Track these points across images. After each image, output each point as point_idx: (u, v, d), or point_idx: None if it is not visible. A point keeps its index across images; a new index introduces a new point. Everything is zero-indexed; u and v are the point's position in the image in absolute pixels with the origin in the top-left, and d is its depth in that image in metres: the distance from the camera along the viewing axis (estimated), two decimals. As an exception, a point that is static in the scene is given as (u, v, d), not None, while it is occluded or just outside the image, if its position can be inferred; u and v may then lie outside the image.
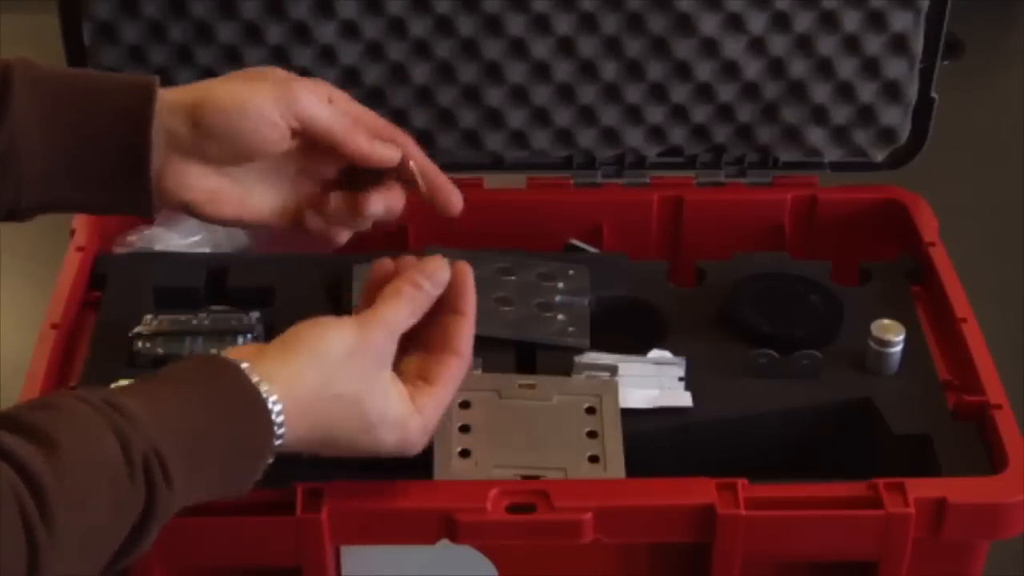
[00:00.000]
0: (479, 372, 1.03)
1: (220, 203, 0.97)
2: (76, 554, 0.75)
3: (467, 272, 0.96)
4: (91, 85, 0.94)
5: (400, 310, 0.92)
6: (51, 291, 1.12)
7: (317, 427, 0.88)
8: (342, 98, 0.98)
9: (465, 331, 0.95)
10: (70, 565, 0.74)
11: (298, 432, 0.86)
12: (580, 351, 1.07)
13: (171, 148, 0.94)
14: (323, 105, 0.96)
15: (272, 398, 0.84)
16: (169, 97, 0.94)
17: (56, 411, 0.77)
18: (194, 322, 1.08)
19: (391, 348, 0.91)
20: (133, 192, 0.94)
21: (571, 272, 1.14)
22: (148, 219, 1.19)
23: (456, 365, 0.94)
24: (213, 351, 1.01)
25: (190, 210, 0.97)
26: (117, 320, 1.09)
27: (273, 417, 0.84)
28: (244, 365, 0.85)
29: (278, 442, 0.85)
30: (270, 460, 0.86)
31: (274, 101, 0.94)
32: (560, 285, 1.12)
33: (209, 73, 1.20)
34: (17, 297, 1.73)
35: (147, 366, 1.06)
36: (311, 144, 0.97)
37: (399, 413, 0.91)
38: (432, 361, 0.94)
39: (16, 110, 0.91)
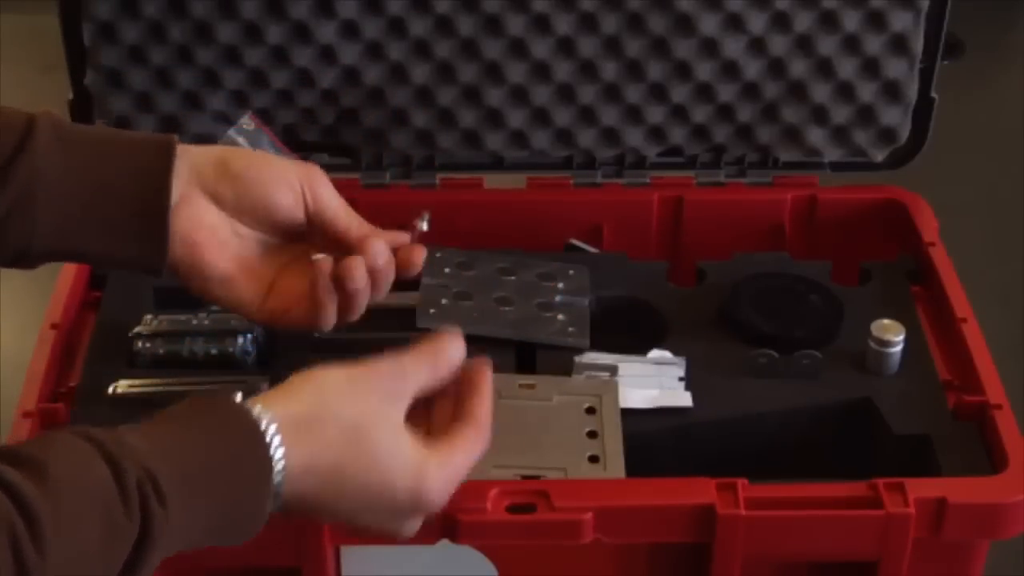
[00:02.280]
0: None
1: (222, 258, 0.95)
2: None
3: (485, 368, 0.92)
4: (112, 139, 0.94)
5: (419, 360, 0.89)
6: (51, 291, 1.12)
7: (320, 457, 0.83)
8: None
9: (484, 404, 0.91)
10: None
11: (300, 459, 0.82)
12: (580, 351, 1.07)
13: (193, 183, 0.93)
14: (340, 200, 0.96)
15: (265, 417, 0.81)
16: (200, 147, 0.95)
17: (48, 442, 0.77)
18: (194, 322, 1.08)
19: (400, 387, 0.87)
20: (147, 246, 0.93)
21: (571, 272, 1.14)
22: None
23: (475, 432, 0.89)
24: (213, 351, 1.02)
25: (194, 253, 0.94)
26: (117, 320, 1.09)
27: (268, 438, 0.81)
28: (237, 395, 0.83)
29: (278, 470, 0.81)
30: (273, 504, 0.82)
31: (295, 170, 0.95)
32: (560, 285, 1.12)
33: (209, 73, 1.20)
34: (17, 297, 1.73)
35: (147, 366, 1.06)
36: (309, 234, 0.97)
37: (413, 455, 0.86)
38: (448, 427, 0.90)
39: (38, 156, 0.91)
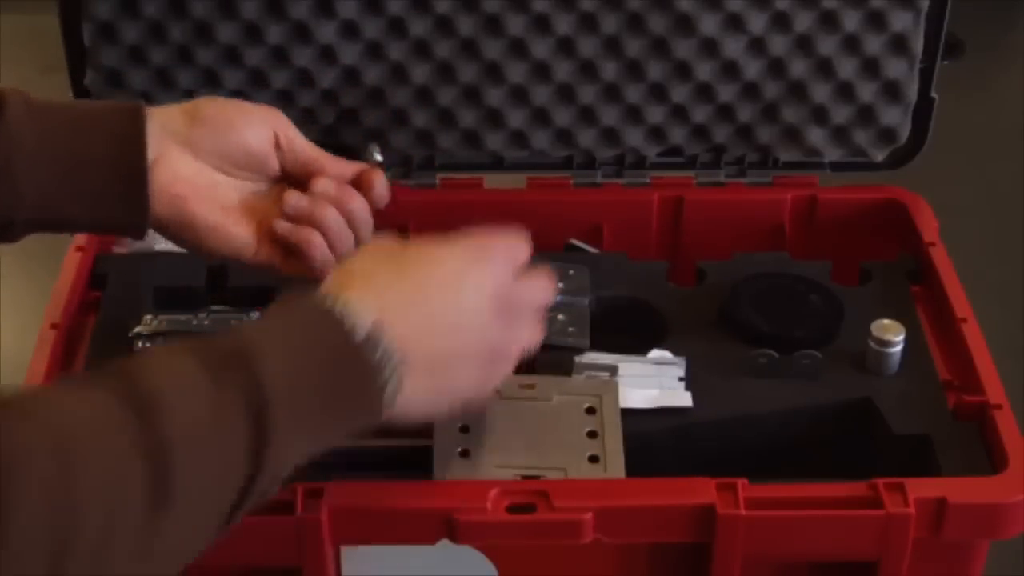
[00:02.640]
0: None
1: (205, 205, 0.96)
2: (193, 438, 0.74)
3: None
4: (83, 109, 0.96)
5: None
6: (51, 291, 1.12)
7: (432, 324, 0.85)
8: None
9: None
10: (188, 450, 0.73)
11: (411, 321, 0.83)
12: (580, 351, 1.07)
13: (167, 138, 0.95)
14: (306, 140, 0.99)
15: (344, 295, 0.82)
16: (168, 108, 0.96)
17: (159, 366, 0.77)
18: (194, 322, 1.08)
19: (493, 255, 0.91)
20: (129, 209, 0.94)
21: (571, 272, 1.14)
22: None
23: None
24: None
25: (179, 206, 0.95)
26: (117, 320, 1.09)
27: (340, 298, 0.82)
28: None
29: (378, 338, 0.81)
30: (387, 362, 0.82)
31: (263, 112, 0.98)
32: (560, 285, 1.12)
33: (209, 73, 1.20)
34: (17, 297, 1.73)
35: (147, 366, 1.06)
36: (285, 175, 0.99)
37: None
38: None
39: (12, 129, 0.92)
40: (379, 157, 1.04)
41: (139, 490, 0.72)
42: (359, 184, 0.99)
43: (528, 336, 0.92)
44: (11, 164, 0.91)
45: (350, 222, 0.98)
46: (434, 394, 0.87)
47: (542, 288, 0.93)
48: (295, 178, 0.99)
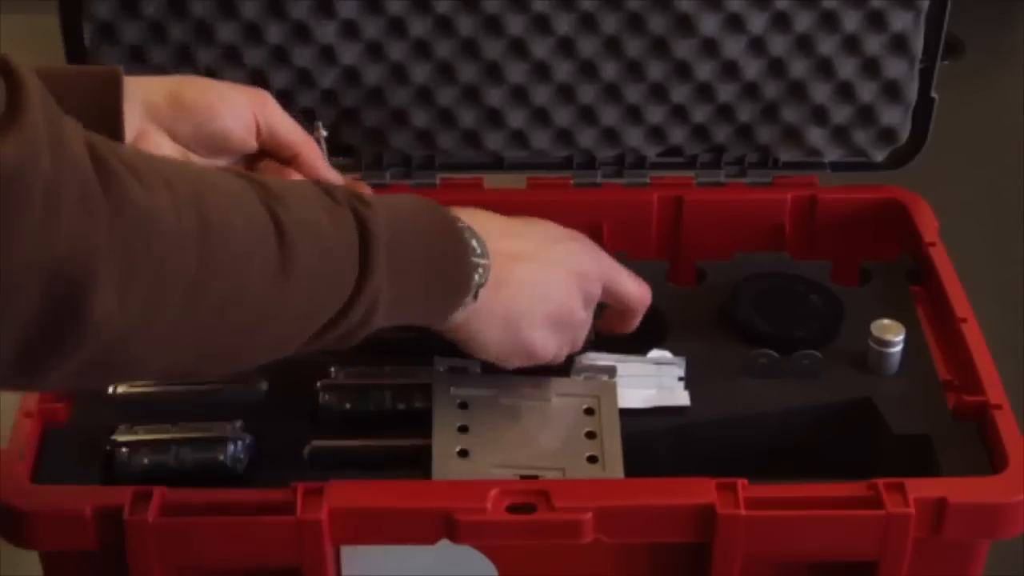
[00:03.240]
0: (478, 371, 1.03)
1: None
2: (312, 245, 0.79)
3: None
4: (59, 76, 0.94)
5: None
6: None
7: (500, 224, 0.94)
8: None
9: None
10: (311, 252, 0.79)
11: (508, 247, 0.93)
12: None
13: (148, 118, 0.96)
14: (289, 117, 1.02)
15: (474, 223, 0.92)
16: (150, 79, 0.98)
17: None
18: (194, 322, 1.08)
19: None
20: None
21: None
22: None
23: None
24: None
25: None
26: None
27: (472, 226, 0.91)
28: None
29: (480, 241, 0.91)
30: (476, 248, 0.90)
31: (247, 96, 1.00)
32: None
33: (209, 73, 1.20)
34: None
35: (147, 366, 1.06)
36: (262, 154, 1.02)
37: None
38: None
39: None
40: (324, 132, 1.06)
41: (270, 255, 0.77)
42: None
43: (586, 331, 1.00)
44: None
45: None
46: (504, 323, 0.94)
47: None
48: (275, 156, 1.02)
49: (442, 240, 0.89)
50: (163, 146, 0.96)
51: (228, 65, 1.19)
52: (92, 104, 0.93)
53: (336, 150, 1.25)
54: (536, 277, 0.96)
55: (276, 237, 0.78)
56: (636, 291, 1.02)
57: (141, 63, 1.19)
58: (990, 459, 0.99)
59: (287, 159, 1.02)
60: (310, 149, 1.03)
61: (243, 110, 0.99)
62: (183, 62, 1.19)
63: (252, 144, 1.01)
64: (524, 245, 0.96)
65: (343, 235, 0.82)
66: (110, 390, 1.03)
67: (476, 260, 0.91)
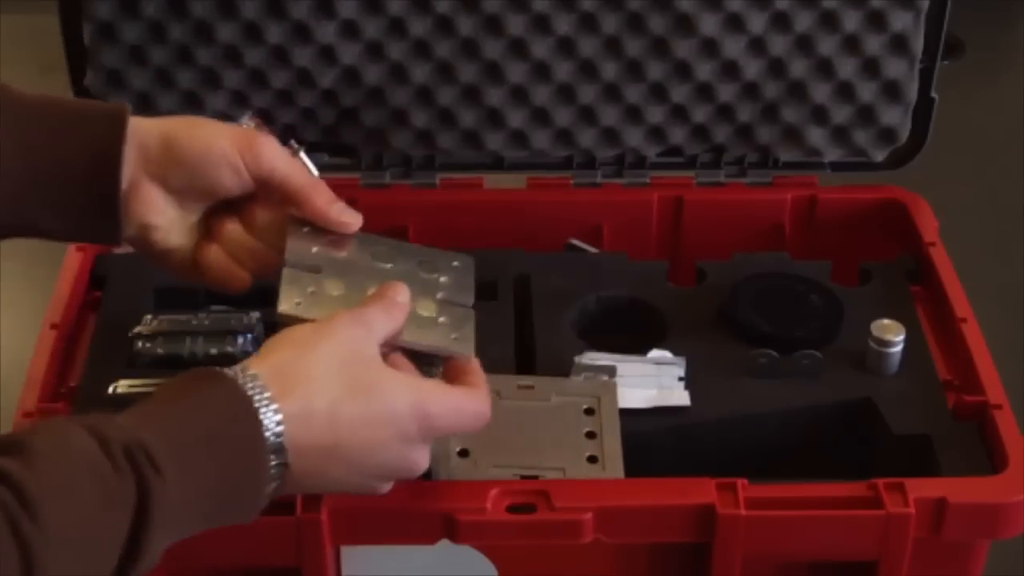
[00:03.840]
0: None
1: (172, 234, 0.97)
2: (72, 552, 0.74)
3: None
4: (64, 112, 0.95)
5: (374, 306, 0.91)
6: (51, 291, 1.12)
7: (314, 400, 0.84)
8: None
9: (479, 375, 0.93)
10: (67, 564, 0.74)
11: (295, 408, 0.83)
12: (580, 352, 1.07)
13: (142, 168, 0.95)
14: (285, 158, 0.97)
15: (247, 377, 0.83)
16: (145, 122, 0.95)
17: (31, 427, 0.78)
18: (194, 322, 1.08)
19: (366, 330, 0.88)
20: (101, 219, 0.94)
21: (455, 264, 1.02)
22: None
23: (478, 380, 0.93)
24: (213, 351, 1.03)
25: (147, 234, 0.97)
26: (117, 320, 1.09)
27: (256, 395, 0.82)
28: (217, 369, 0.84)
29: (275, 423, 0.82)
30: (277, 463, 0.83)
31: (240, 149, 0.95)
32: (442, 279, 1.00)
33: (209, 73, 1.20)
34: (17, 297, 1.73)
35: (147, 366, 1.06)
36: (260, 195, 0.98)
37: (408, 379, 0.88)
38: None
39: None
40: (300, 149, 1.01)
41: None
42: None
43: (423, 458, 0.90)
44: None
45: None
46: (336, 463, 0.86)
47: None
48: (269, 197, 0.98)
49: (242, 477, 0.83)
50: (157, 198, 0.96)
51: (228, 65, 1.19)
52: (93, 147, 0.93)
53: (336, 150, 1.25)
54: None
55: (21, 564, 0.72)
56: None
57: (141, 63, 1.19)
58: (990, 459, 0.99)
59: (282, 200, 0.98)
60: (303, 188, 0.97)
61: (231, 160, 0.95)
62: (183, 62, 1.19)
63: (245, 189, 0.97)
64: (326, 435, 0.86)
65: (114, 522, 0.76)
66: (110, 390, 1.03)
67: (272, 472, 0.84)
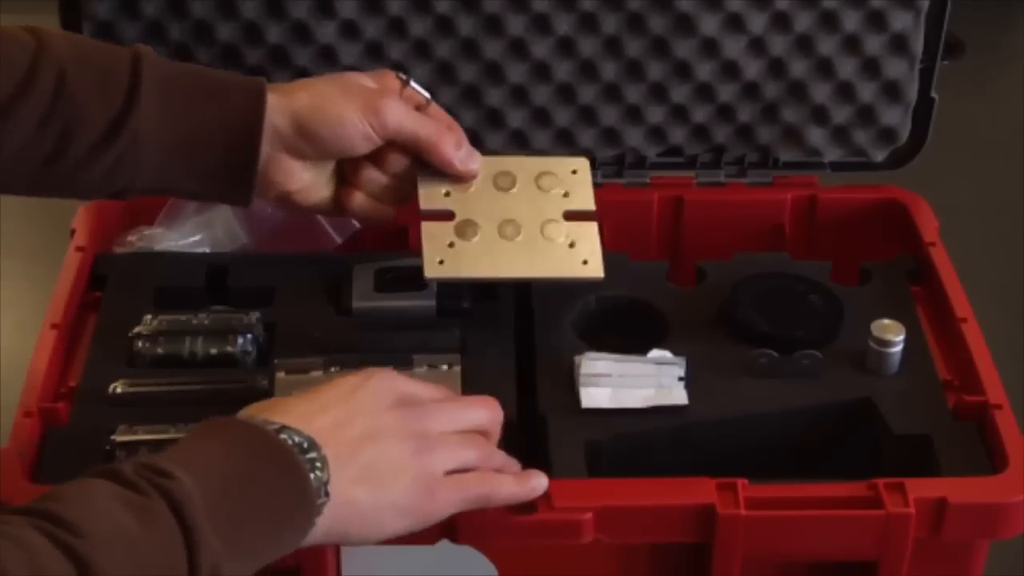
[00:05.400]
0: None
1: (312, 192, 1.07)
2: (122, 559, 0.74)
3: None
4: (206, 84, 1.02)
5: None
6: (51, 291, 1.12)
7: (342, 417, 0.87)
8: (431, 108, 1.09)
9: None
10: (117, 567, 0.74)
11: (321, 422, 0.86)
12: (580, 352, 1.07)
13: (276, 145, 1.03)
14: (409, 116, 1.06)
15: (270, 415, 0.85)
16: (277, 99, 1.02)
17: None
18: (194, 322, 1.08)
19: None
20: (238, 186, 1.03)
21: (573, 171, 1.13)
22: (148, 219, 1.19)
23: None
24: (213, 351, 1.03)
25: (288, 198, 1.06)
26: (117, 320, 1.09)
27: (273, 419, 0.85)
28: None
29: (294, 430, 0.84)
30: (318, 474, 0.83)
31: (364, 115, 1.03)
32: (564, 193, 1.12)
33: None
34: (17, 297, 1.73)
35: (147, 366, 1.06)
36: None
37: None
38: None
39: (142, 113, 0.99)
40: (404, 78, 1.09)
41: None
42: None
43: (458, 442, 0.91)
44: (137, 149, 0.99)
45: None
46: (369, 491, 0.87)
47: (460, 406, 0.94)
48: (400, 150, 1.07)
49: (266, 463, 0.83)
50: (293, 168, 1.04)
51: (228, 65, 1.19)
52: (232, 121, 1.01)
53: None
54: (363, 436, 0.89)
55: None
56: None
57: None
58: (990, 459, 0.99)
59: (412, 152, 1.06)
60: (428, 141, 1.06)
61: (361, 128, 1.03)
62: (183, 62, 1.19)
63: (376, 146, 1.05)
64: (333, 416, 0.88)
65: (158, 533, 0.76)
66: (110, 390, 1.03)
67: (310, 464, 0.84)
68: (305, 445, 0.84)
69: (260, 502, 0.81)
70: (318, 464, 0.83)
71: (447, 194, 1.08)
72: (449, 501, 0.89)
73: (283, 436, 0.83)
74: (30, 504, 0.76)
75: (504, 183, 1.10)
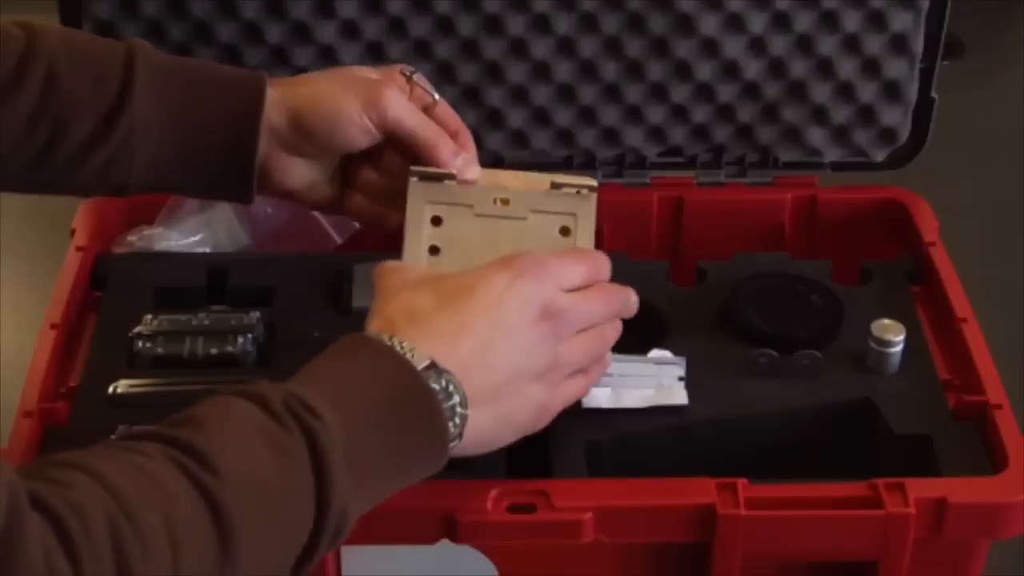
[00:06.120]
0: (454, 183, 1.03)
1: (314, 191, 1.05)
2: (255, 498, 0.75)
3: None
4: (204, 77, 1.01)
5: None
6: (51, 291, 1.12)
7: (484, 340, 0.87)
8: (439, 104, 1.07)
9: None
10: (252, 510, 0.74)
11: (464, 347, 0.86)
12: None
13: (274, 143, 1.01)
14: (410, 112, 1.02)
15: (417, 335, 0.86)
16: (274, 95, 1.01)
17: (196, 404, 0.79)
18: (194, 322, 1.08)
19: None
20: (238, 183, 1.01)
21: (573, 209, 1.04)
22: (148, 219, 1.19)
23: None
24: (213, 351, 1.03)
25: (291, 197, 1.05)
26: (117, 320, 1.09)
27: (419, 345, 0.84)
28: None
29: (438, 369, 0.84)
30: (456, 422, 0.84)
31: (364, 108, 1.01)
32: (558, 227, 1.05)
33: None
34: (17, 297, 1.73)
35: (147, 366, 1.06)
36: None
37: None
38: None
39: (137, 108, 0.97)
40: (409, 72, 1.06)
41: (207, 548, 0.73)
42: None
43: (584, 350, 0.93)
44: (132, 144, 0.98)
45: None
46: (496, 422, 0.89)
47: (600, 300, 0.94)
48: (397, 147, 1.04)
49: (412, 414, 0.83)
50: (292, 166, 1.02)
51: (228, 65, 1.19)
52: (231, 117, 0.99)
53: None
54: (502, 368, 0.89)
55: (213, 526, 0.73)
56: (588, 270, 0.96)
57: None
58: (990, 459, 0.99)
59: (409, 149, 1.03)
60: (427, 143, 1.02)
61: (359, 121, 1.01)
62: (183, 62, 1.19)
63: (375, 141, 1.03)
64: (477, 337, 0.88)
65: (293, 473, 0.77)
66: (110, 390, 1.03)
67: (450, 414, 0.85)
68: (450, 388, 0.84)
69: (397, 449, 0.83)
70: (458, 409, 0.85)
71: (433, 250, 1.00)
72: (555, 413, 0.93)
73: (429, 376, 0.84)
74: (167, 427, 0.77)
75: (499, 211, 1.02)
